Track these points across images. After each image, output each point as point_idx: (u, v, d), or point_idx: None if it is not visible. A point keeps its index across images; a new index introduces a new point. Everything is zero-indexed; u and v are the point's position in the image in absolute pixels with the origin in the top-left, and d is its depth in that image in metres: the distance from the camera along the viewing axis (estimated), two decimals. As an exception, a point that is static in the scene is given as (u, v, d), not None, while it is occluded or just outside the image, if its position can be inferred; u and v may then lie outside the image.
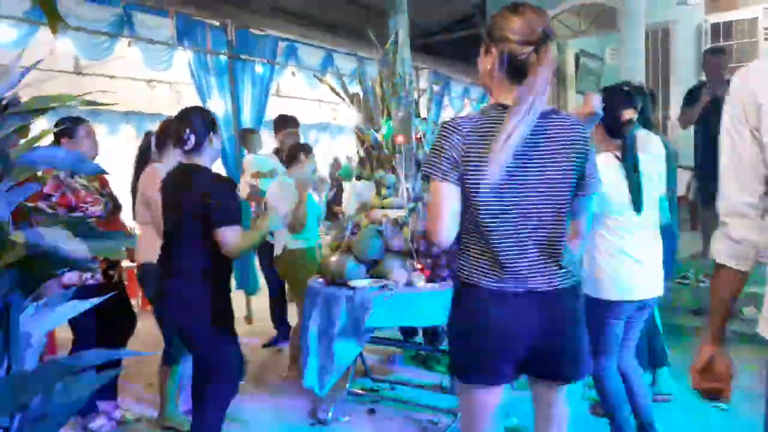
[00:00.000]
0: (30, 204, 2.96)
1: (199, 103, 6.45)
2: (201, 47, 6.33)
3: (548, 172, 1.67)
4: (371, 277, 3.20)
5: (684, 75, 7.27)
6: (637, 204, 2.57)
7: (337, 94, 3.82)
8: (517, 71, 1.65)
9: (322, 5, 7.96)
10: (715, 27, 7.62)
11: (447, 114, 11.24)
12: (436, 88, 10.51)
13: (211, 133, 2.64)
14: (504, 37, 1.65)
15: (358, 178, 3.70)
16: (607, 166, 2.59)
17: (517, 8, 1.66)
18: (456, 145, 1.66)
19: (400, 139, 3.46)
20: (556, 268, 1.71)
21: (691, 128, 5.25)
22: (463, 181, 1.67)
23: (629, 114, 2.58)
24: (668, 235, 3.00)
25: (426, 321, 3.09)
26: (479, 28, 9.36)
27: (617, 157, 2.62)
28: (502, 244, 1.67)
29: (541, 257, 1.70)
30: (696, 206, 6.20)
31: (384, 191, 3.56)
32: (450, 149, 1.66)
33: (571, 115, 1.82)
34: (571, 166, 1.69)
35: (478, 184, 1.64)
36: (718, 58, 5.06)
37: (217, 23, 6.55)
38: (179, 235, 2.61)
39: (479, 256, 1.72)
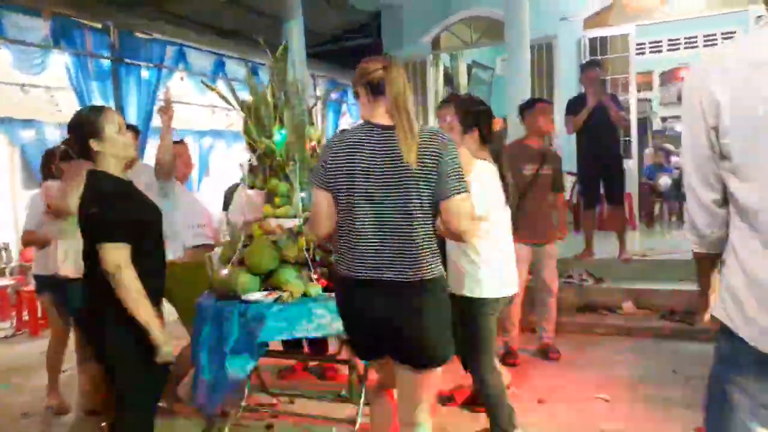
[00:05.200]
0: None
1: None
2: (80, 50, 5.96)
3: (395, 178, 1.96)
4: (266, 289, 3.10)
5: (566, 86, 7.70)
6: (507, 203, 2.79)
7: (226, 100, 3.68)
8: (376, 90, 2.04)
9: (214, 10, 7.74)
10: (592, 42, 8.14)
11: (345, 121, 11.28)
12: (333, 95, 10.50)
13: (91, 139, 2.26)
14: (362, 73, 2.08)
15: (251, 187, 3.57)
16: (489, 171, 2.75)
17: (367, 58, 2.12)
18: (327, 159, 2.05)
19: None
20: (406, 262, 1.97)
21: (573, 135, 5.59)
22: (331, 188, 2.05)
23: (499, 124, 2.80)
24: None
25: (322, 331, 3.03)
26: (374, 37, 9.50)
27: (492, 162, 2.79)
28: (357, 239, 2.01)
29: (391, 252, 1.97)
30: (579, 209, 6.58)
31: (278, 200, 3.46)
32: (324, 162, 2.06)
33: (430, 128, 2.08)
34: (420, 172, 1.93)
35: (339, 190, 2.03)
36: (594, 71, 5.42)
37: (98, 25, 6.20)
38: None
39: (344, 249, 2.07)
